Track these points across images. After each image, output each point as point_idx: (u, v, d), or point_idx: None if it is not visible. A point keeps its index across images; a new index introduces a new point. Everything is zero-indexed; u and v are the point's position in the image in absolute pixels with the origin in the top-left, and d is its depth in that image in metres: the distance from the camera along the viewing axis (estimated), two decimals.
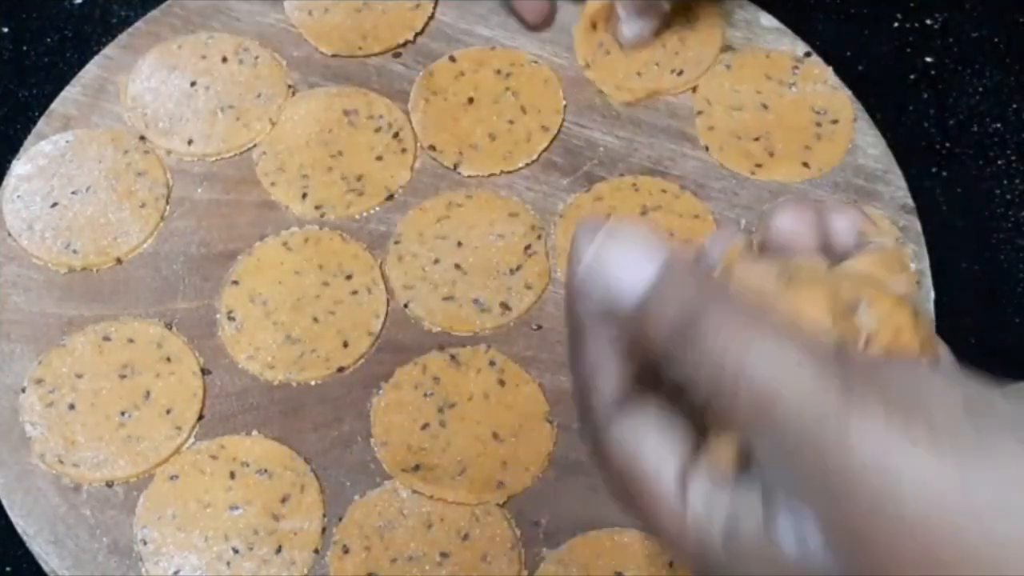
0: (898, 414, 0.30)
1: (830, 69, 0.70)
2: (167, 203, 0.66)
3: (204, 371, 0.61)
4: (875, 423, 0.30)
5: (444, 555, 0.56)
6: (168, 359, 0.61)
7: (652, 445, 0.35)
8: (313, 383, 0.61)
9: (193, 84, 0.69)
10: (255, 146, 0.68)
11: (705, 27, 0.72)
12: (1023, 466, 0.29)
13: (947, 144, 0.71)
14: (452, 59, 0.71)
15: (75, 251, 0.64)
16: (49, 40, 0.75)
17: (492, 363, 0.61)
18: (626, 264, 0.33)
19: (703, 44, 0.71)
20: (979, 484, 0.29)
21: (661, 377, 0.35)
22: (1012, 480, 0.29)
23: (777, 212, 0.38)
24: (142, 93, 0.69)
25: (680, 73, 0.70)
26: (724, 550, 0.33)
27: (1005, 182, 0.70)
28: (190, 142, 0.68)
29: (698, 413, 0.35)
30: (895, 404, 0.30)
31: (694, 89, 0.70)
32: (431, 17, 0.72)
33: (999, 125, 0.72)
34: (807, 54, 0.71)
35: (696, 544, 0.34)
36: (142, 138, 0.68)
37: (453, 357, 0.61)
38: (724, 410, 0.33)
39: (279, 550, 0.56)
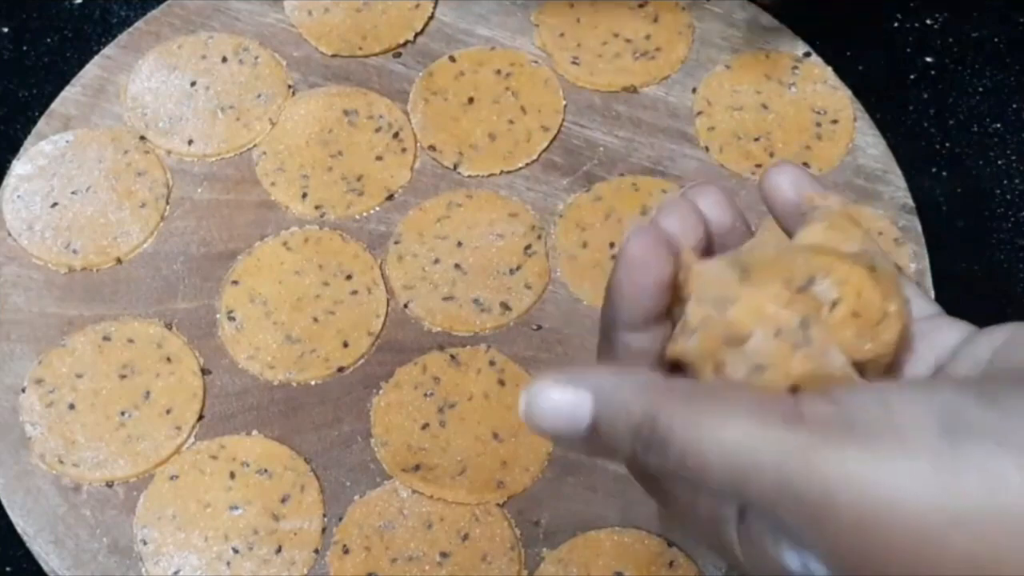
0: (868, 439, 0.31)
1: (830, 69, 0.70)
2: (167, 203, 0.66)
3: (204, 371, 0.61)
4: (844, 453, 0.31)
5: (444, 555, 0.56)
6: (168, 359, 0.61)
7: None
8: (313, 383, 0.61)
9: (193, 84, 0.69)
10: (255, 146, 0.68)
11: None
12: (998, 471, 0.30)
13: (947, 144, 0.71)
14: (452, 59, 0.71)
15: (75, 251, 0.64)
16: (49, 40, 0.75)
17: (492, 363, 0.61)
18: (557, 414, 0.35)
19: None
20: (957, 494, 0.30)
21: None
22: (989, 486, 0.30)
23: (661, 212, 0.38)
24: (142, 93, 0.69)
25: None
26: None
27: (1005, 182, 0.70)
28: (190, 142, 0.68)
29: None
30: (863, 430, 0.31)
31: (694, 90, 0.70)
32: (431, 17, 0.72)
33: (999, 125, 0.72)
34: (807, 54, 0.71)
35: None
36: (142, 138, 0.68)
37: (453, 357, 0.61)
38: (706, 493, 0.34)
39: (279, 550, 0.56)
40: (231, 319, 0.62)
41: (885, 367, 0.36)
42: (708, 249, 0.39)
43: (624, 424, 0.34)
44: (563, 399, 0.35)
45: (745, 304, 0.35)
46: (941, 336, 0.37)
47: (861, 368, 0.35)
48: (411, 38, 0.72)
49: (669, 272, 0.38)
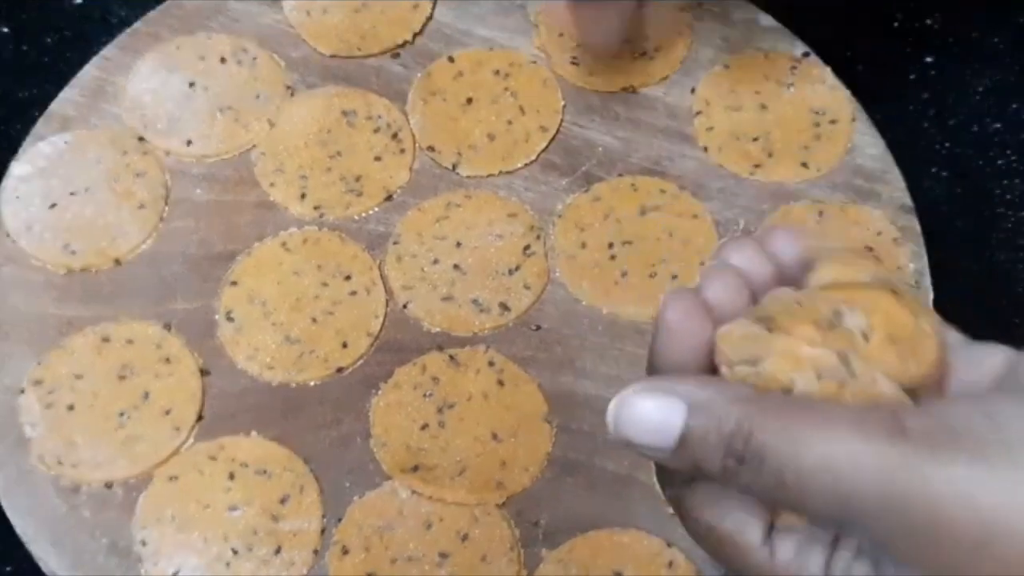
0: (977, 450, 0.30)
1: (829, 69, 0.70)
2: (166, 204, 0.66)
3: (203, 372, 0.61)
4: (954, 467, 0.30)
5: (443, 555, 0.56)
6: (167, 360, 0.61)
7: (733, 514, 0.35)
8: (312, 383, 0.61)
9: (192, 85, 0.69)
10: (254, 147, 0.68)
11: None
12: None
13: (947, 144, 0.71)
14: (451, 60, 0.71)
15: (74, 252, 0.64)
16: (49, 40, 0.75)
17: (491, 363, 0.61)
18: (647, 425, 0.34)
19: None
20: None
21: None
22: None
23: (706, 282, 0.38)
24: (141, 94, 0.69)
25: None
26: None
27: (1005, 182, 0.70)
28: (189, 143, 0.67)
29: None
30: (970, 442, 0.30)
31: (693, 90, 0.70)
32: (429, 18, 0.72)
33: (999, 125, 0.72)
34: (805, 54, 0.71)
35: None
36: (141, 139, 0.68)
37: (452, 357, 0.61)
38: (801, 514, 0.33)
39: (278, 551, 0.56)
40: (230, 320, 0.62)
41: (933, 390, 0.35)
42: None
43: (716, 437, 0.33)
44: (654, 408, 0.34)
45: (778, 354, 0.34)
46: (979, 359, 0.36)
47: (911, 394, 0.34)
48: (409, 39, 0.72)
49: (709, 336, 0.37)
